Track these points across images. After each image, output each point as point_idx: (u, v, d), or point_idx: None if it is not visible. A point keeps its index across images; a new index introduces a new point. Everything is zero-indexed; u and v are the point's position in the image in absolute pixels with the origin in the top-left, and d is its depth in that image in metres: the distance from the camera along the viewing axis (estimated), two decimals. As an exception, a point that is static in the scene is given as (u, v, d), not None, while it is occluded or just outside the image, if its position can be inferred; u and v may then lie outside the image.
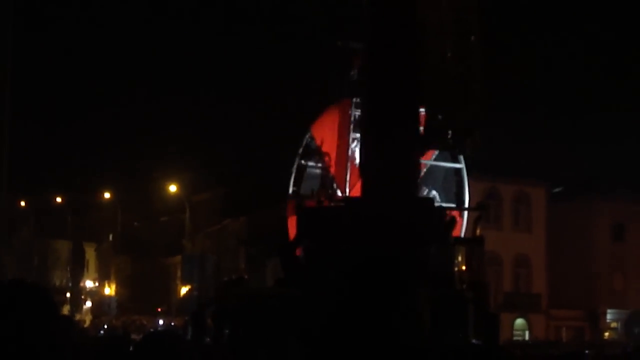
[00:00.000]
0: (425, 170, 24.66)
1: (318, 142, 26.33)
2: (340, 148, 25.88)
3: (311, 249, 16.47)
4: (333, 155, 25.88)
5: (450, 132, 19.58)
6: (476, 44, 19.71)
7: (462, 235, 22.54)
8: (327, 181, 25.66)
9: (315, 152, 26.40)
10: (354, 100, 25.59)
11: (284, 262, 17.06)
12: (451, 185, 25.89)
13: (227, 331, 13.53)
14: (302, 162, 26.57)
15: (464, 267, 17.45)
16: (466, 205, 25.65)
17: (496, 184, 58.86)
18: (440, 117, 19.67)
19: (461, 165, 26.02)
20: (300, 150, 26.79)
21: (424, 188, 23.93)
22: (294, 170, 26.60)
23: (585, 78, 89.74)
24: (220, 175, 70.56)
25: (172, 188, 68.19)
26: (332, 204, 21.32)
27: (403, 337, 3.50)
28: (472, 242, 18.77)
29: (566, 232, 62.95)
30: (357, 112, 24.76)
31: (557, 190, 65.24)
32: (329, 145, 26.00)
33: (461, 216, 22.89)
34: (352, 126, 25.33)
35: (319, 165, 26.13)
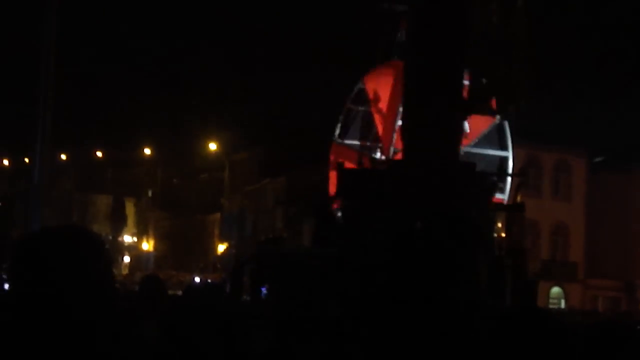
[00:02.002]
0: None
1: (370, 94, 26.11)
2: (390, 108, 25.65)
3: (349, 209, 16.50)
4: (383, 111, 25.67)
5: (494, 97, 19.51)
6: (522, 8, 19.55)
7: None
8: (372, 138, 25.58)
9: (365, 100, 26.27)
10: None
11: (321, 222, 17.12)
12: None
13: (264, 289, 13.61)
14: (352, 106, 26.45)
15: (503, 234, 17.43)
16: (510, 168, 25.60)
17: (537, 151, 58.48)
18: (484, 81, 19.59)
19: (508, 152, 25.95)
20: (352, 95, 26.61)
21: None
22: (342, 115, 26.50)
23: (634, 43, 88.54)
24: (259, 135, 70.65)
25: (212, 146, 68.45)
26: (374, 166, 21.33)
27: (461, 303, 3.49)
28: (512, 209, 18.72)
29: (606, 202, 62.54)
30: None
31: (598, 159, 64.74)
32: (381, 102, 25.74)
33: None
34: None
35: (369, 111, 25.94)
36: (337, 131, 26.51)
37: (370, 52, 27.83)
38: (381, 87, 25.86)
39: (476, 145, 25.19)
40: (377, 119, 25.61)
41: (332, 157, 26.06)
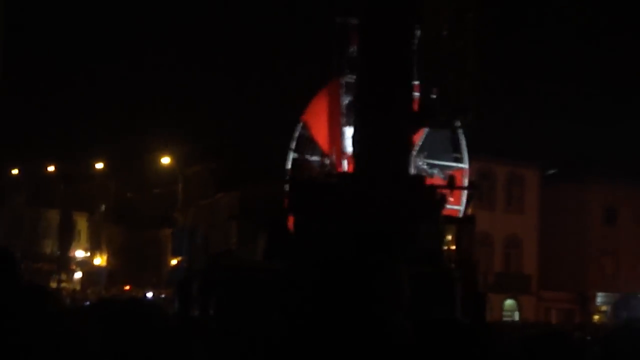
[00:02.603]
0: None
1: (312, 131, 26.42)
2: (332, 136, 26.00)
3: (300, 223, 16.46)
4: (326, 143, 25.97)
5: (443, 110, 19.58)
6: (472, 21, 19.65)
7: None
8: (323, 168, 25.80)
9: (309, 142, 26.50)
10: (342, 81, 25.65)
11: (273, 235, 17.06)
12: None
13: (213, 302, 13.50)
14: (297, 154, 26.70)
15: (453, 246, 17.45)
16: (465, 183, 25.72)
17: (490, 164, 58.83)
18: (433, 94, 19.66)
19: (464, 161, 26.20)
20: (294, 144, 26.85)
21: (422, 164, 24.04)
22: (289, 162, 26.74)
23: (582, 58, 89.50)
24: (213, 149, 70.40)
25: (165, 160, 68.09)
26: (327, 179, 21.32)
27: (382, 313, 3.44)
28: (462, 221, 18.78)
29: (558, 214, 63.01)
30: (347, 96, 24.98)
31: (550, 172, 65.23)
32: (321, 135, 26.11)
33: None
34: (342, 111, 25.47)
35: (314, 157, 26.20)
36: (294, 144, 26.74)
37: (324, 67, 27.97)
38: (318, 119, 26.34)
39: (432, 157, 25.36)
40: (321, 151, 26.01)
41: (290, 171, 26.27)
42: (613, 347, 5.31)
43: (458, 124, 19.72)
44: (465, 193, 24.31)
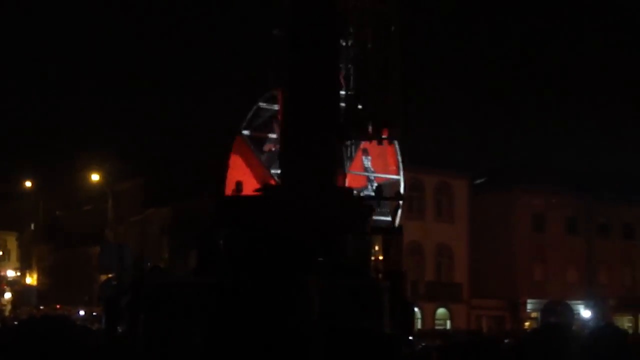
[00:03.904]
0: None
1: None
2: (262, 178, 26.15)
3: (229, 237, 16.47)
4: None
5: (370, 122, 19.73)
6: (396, 35, 19.86)
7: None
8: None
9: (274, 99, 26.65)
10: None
11: (202, 251, 17.05)
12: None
13: (141, 319, 13.47)
14: (262, 104, 26.82)
15: (381, 257, 17.58)
16: (401, 175, 26.01)
17: (419, 174, 59.23)
18: (360, 107, 19.82)
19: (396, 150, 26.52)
20: (264, 97, 26.92)
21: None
22: (254, 110, 26.86)
23: (509, 70, 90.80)
24: (143, 165, 69.97)
25: (95, 177, 67.47)
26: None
27: (290, 323, 3.55)
28: (390, 232, 18.92)
29: (488, 223, 63.64)
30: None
31: (479, 181, 65.92)
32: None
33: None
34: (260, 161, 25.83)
35: (275, 108, 26.28)
36: (244, 124, 26.96)
37: (262, 78, 28.03)
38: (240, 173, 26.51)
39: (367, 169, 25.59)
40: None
41: (233, 155, 26.42)
42: (525, 350, 5.49)
43: (386, 136, 19.85)
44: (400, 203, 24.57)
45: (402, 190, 26.81)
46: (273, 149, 25.47)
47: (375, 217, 19.76)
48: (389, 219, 23.37)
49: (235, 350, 3.28)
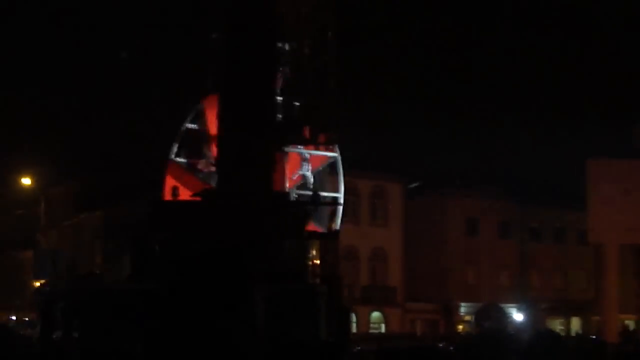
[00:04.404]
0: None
1: (208, 117, 26.06)
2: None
3: (164, 242, 16.37)
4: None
5: (306, 126, 19.80)
6: (332, 40, 19.97)
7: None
8: (206, 152, 25.59)
9: (201, 119, 26.24)
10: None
11: (136, 256, 16.92)
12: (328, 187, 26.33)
13: (76, 325, 13.34)
14: (187, 126, 26.42)
15: (317, 261, 17.61)
16: (341, 194, 26.00)
17: (353, 179, 59.42)
18: (296, 111, 19.88)
19: (336, 154, 26.49)
20: (190, 117, 26.53)
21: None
22: (182, 133, 26.45)
23: (441, 74, 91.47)
24: (76, 169, 69.24)
25: (26, 181, 66.59)
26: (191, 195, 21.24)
27: (232, 335, 3.55)
28: (326, 237, 18.97)
29: (422, 227, 64.09)
30: None
31: (413, 185, 66.33)
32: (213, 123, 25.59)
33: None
34: None
35: (203, 130, 25.89)
36: (174, 150, 26.56)
37: (201, 82, 27.74)
38: (212, 113, 25.80)
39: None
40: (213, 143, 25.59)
41: (168, 178, 26.01)
42: (471, 355, 5.54)
43: (322, 141, 19.93)
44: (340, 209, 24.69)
45: (342, 194, 26.90)
46: (208, 169, 25.05)
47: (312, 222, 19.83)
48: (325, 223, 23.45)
49: (176, 356, 3.28)
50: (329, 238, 18.65)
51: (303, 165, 24.79)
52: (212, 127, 25.45)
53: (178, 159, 26.50)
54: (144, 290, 12.66)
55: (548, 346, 5.17)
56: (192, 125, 26.66)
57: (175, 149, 26.60)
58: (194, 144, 26.50)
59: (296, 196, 21.98)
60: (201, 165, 25.54)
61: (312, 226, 19.83)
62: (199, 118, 26.57)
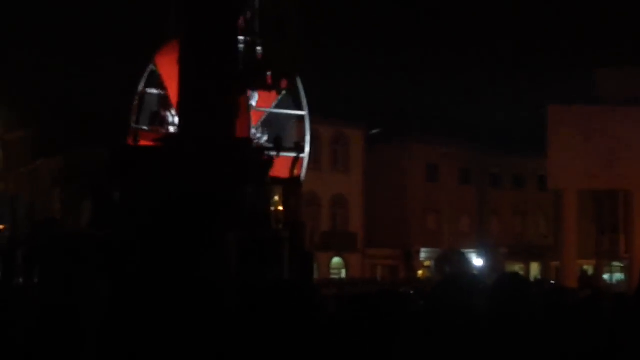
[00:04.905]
0: (264, 116, 24.61)
1: (163, 74, 25.42)
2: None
3: (125, 188, 16.23)
4: (174, 88, 24.99)
5: (268, 72, 19.60)
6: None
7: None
8: (166, 115, 25.04)
9: (157, 80, 25.58)
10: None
11: (96, 202, 16.77)
12: (291, 132, 26.05)
13: (37, 271, 13.19)
14: (145, 89, 25.72)
15: (280, 207, 17.56)
16: (307, 150, 25.82)
17: (315, 125, 59.26)
18: (258, 56, 19.66)
19: (304, 113, 26.22)
20: (143, 79, 25.89)
21: (259, 134, 23.86)
22: (136, 99, 25.75)
23: (406, 23, 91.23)
24: (33, 113, 68.47)
25: (-16, 126, 65.97)
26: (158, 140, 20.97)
27: (205, 274, 3.43)
28: (289, 183, 18.90)
29: (383, 173, 64.33)
30: None
31: (374, 132, 66.43)
32: (171, 78, 25.00)
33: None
34: None
35: (161, 93, 25.31)
36: (133, 118, 25.86)
37: (160, 29, 27.15)
38: (172, 65, 25.18)
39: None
40: (172, 97, 25.02)
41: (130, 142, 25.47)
42: (435, 301, 5.47)
43: (282, 86, 19.74)
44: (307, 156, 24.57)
45: (308, 139, 26.73)
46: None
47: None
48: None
49: (143, 301, 3.23)
50: (292, 184, 18.59)
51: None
52: (171, 90, 24.93)
53: (138, 126, 25.85)
54: (107, 236, 12.55)
55: (513, 289, 5.18)
56: (150, 90, 25.91)
57: (134, 117, 25.97)
58: (153, 110, 25.90)
59: (258, 141, 21.83)
60: (164, 130, 25.02)
61: (274, 171, 19.70)
62: (154, 78, 25.97)
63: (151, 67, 25.90)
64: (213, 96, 17.47)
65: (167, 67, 25.57)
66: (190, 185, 13.04)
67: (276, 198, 17.76)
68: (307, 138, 26.35)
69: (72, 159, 61.16)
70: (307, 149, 25.62)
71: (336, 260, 62.94)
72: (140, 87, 25.81)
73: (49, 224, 17.78)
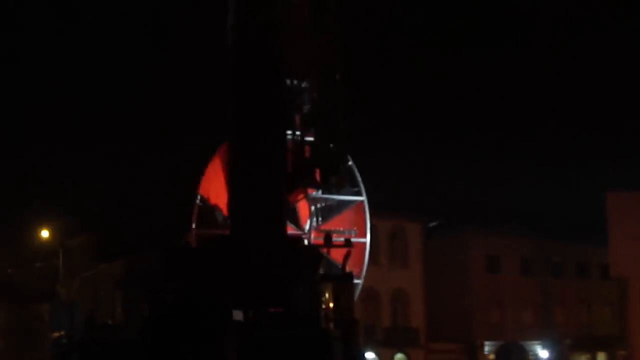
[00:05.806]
0: (324, 203, 24.77)
1: (210, 200, 25.69)
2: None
3: (180, 291, 16.28)
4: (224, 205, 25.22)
5: (317, 170, 19.70)
6: (340, 83, 19.91)
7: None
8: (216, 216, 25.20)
9: (209, 213, 25.77)
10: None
11: (152, 305, 16.83)
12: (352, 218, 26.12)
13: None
14: (199, 230, 25.87)
15: (331, 305, 17.41)
16: (368, 237, 25.81)
17: (372, 219, 59.30)
18: (306, 155, 19.81)
19: (363, 198, 26.34)
20: (195, 219, 26.06)
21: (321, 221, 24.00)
22: (193, 239, 25.87)
23: (453, 106, 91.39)
24: (94, 220, 69.36)
25: (44, 233, 66.81)
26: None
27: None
28: (340, 279, 18.76)
29: (442, 266, 63.74)
30: None
31: (432, 224, 66.09)
32: (220, 198, 25.21)
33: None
34: None
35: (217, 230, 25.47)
36: (193, 225, 26.06)
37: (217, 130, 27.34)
38: (215, 185, 25.41)
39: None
40: (223, 208, 25.14)
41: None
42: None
43: (332, 183, 19.82)
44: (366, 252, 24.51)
45: (369, 237, 26.74)
46: None
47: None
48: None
49: None
50: (343, 280, 18.45)
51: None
52: (220, 200, 25.03)
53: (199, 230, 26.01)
54: (154, 341, 12.56)
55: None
56: (201, 202, 26.06)
57: (193, 224, 26.17)
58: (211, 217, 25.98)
59: (308, 239, 21.86)
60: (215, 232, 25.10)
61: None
62: (207, 187, 26.20)
63: (198, 202, 26.04)
64: (263, 197, 17.58)
65: (213, 191, 25.75)
66: (243, 286, 13.02)
67: (327, 296, 17.65)
68: (367, 224, 26.32)
69: (133, 263, 61.66)
70: (368, 236, 25.58)
71: (399, 356, 62.15)
72: (193, 230, 25.87)
73: (103, 330, 17.88)
